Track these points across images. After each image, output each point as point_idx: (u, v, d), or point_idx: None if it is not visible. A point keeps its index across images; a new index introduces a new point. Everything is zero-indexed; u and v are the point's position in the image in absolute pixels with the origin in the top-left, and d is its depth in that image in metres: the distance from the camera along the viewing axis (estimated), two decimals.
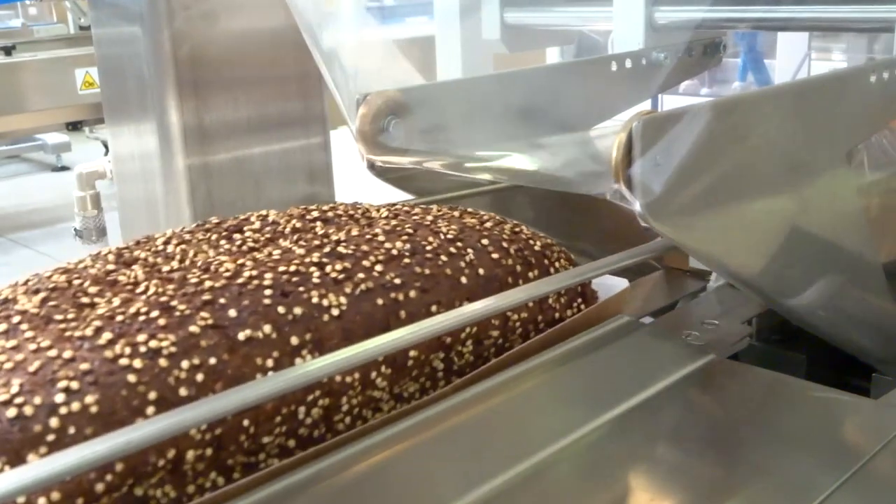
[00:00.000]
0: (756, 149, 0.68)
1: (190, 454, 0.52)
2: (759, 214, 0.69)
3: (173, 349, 0.53)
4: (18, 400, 0.48)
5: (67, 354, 0.51)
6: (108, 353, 0.52)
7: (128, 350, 0.52)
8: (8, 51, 4.06)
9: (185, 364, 0.53)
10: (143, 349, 0.52)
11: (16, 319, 0.54)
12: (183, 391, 0.52)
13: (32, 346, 0.52)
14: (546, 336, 0.69)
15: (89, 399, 0.49)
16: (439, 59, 1.32)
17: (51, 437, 0.48)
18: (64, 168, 5.21)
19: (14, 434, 0.47)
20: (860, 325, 0.77)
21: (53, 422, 0.48)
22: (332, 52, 1.01)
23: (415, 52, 1.11)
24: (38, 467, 0.43)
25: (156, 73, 1.56)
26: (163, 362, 0.52)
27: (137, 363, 0.52)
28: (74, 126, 4.48)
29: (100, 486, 0.48)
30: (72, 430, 0.48)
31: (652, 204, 0.61)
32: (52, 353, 0.51)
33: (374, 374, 0.60)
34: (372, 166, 0.89)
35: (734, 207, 0.67)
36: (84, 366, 0.50)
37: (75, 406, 0.49)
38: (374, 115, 0.86)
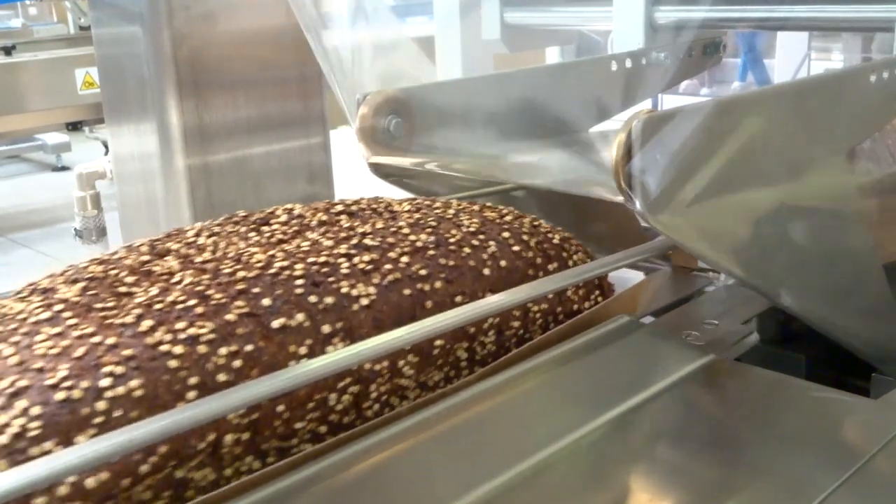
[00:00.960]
0: (756, 148, 0.68)
1: (228, 438, 0.54)
2: (759, 213, 0.69)
3: (211, 336, 0.55)
4: (66, 384, 0.50)
5: (111, 341, 0.53)
6: (150, 340, 0.53)
7: (168, 337, 0.54)
8: (8, 51, 4.06)
9: (222, 350, 0.54)
10: (182, 336, 0.54)
11: (58, 307, 0.56)
12: (221, 377, 0.54)
13: (76, 333, 0.53)
14: (548, 336, 0.69)
15: (133, 383, 0.51)
16: (439, 59, 1.32)
17: (98, 420, 0.49)
18: (64, 168, 5.21)
19: (63, 416, 0.49)
20: (860, 323, 0.77)
21: (100, 405, 0.50)
22: (333, 52, 1.01)
23: (415, 52, 1.11)
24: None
25: (156, 73, 1.56)
26: (202, 349, 0.54)
27: (178, 349, 0.53)
28: (74, 126, 4.49)
29: (144, 468, 0.50)
30: (117, 413, 0.50)
31: (652, 203, 0.61)
32: (96, 339, 0.53)
33: (401, 363, 0.62)
34: (372, 166, 0.89)
35: (734, 206, 0.67)
36: (127, 351, 0.52)
37: (121, 390, 0.51)
38: (374, 115, 0.86)
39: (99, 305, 0.56)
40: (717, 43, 1.25)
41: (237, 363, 0.55)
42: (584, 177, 0.74)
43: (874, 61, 0.97)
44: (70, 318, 0.55)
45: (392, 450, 0.57)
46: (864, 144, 0.82)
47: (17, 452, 0.47)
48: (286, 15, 1.55)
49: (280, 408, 0.55)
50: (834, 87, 0.78)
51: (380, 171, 0.90)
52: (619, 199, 0.62)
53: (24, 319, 0.55)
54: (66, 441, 0.48)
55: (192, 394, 0.52)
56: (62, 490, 0.47)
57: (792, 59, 4.05)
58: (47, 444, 0.48)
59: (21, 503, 0.46)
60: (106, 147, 4.19)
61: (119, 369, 0.51)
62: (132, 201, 1.73)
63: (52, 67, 3.99)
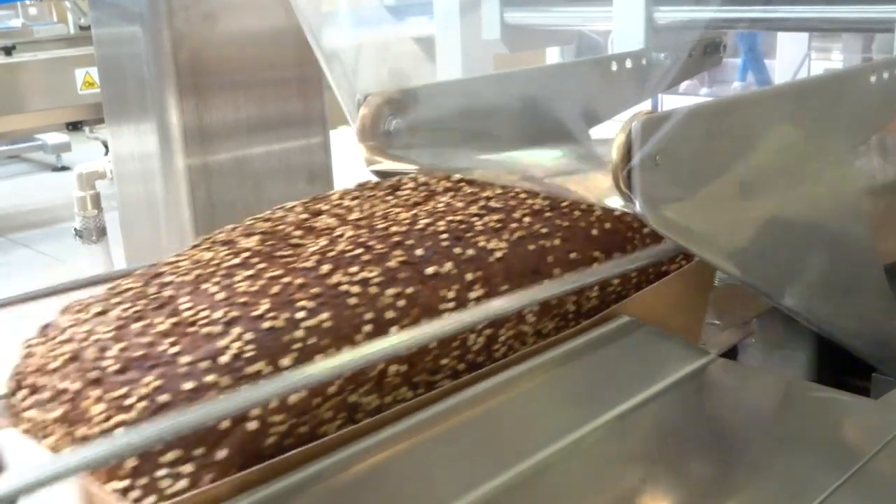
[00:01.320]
0: (755, 148, 0.68)
1: (392, 368, 0.61)
2: (759, 213, 0.69)
3: (380, 279, 0.63)
4: (270, 315, 0.58)
5: (299, 281, 0.61)
6: (330, 281, 0.61)
7: (345, 279, 0.62)
8: (8, 51, 4.07)
9: (389, 291, 0.62)
10: (356, 278, 0.62)
11: (245, 255, 0.65)
12: (389, 314, 0.62)
13: (268, 275, 0.61)
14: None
15: (323, 316, 0.59)
16: (439, 59, 1.32)
17: (296, 346, 0.57)
18: (64, 168, 5.21)
19: (270, 342, 0.56)
20: (860, 323, 0.77)
21: (298, 333, 0.58)
22: (334, 52, 1.01)
23: (415, 52, 1.11)
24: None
25: (156, 73, 1.56)
26: (373, 289, 0.62)
27: (355, 289, 0.61)
28: (74, 126, 4.49)
29: (331, 389, 0.58)
30: (311, 341, 0.58)
31: (651, 204, 0.61)
32: (286, 280, 0.61)
33: (526, 311, 0.68)
34: (372, 166, 0.89)
35: (734, 207, 0.68)
36: (314, 290, 0.60)
37: (313, 321, 0.58)
38: (374, 115, 0.86)
39: (279, 253, 0.65)
40: (717, 43, 1.25)
41: (401, 303, 0.62)
42: (584, 177, 0.74)
43: (874, 61, 0.97)
44: (258, 263, 0.63)
45: (392, 450, 0.57)
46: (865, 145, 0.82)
47: (235, 371, 0.54)
48: (286, 15, 1.55)
49: (432, 344, 0.62)
50: (834, 87, 0.78)
51: (380, 171, 0.90)
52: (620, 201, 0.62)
53: (218, 265, 0.64)
54: (273, 363, 0.56)
55: (367, 327, 0.60)
56: (273, 404, 0.54)
57: (792, 59, 4.06)
58: (259, 365, 0.55)
59: (239, 418, 0.53)
60: (106, 147, 4.19)
61: (310, 304, 0.59)
62: (132, 201, 1.73)
63: (52, 67, 4.00)
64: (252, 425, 0.54)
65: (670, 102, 1.30)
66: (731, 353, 0.82)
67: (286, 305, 0.59)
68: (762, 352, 0.84)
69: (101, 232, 2.65)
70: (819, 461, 0.59)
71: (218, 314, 0.57)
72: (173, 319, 0.58)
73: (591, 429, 0.61)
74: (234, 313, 0.57)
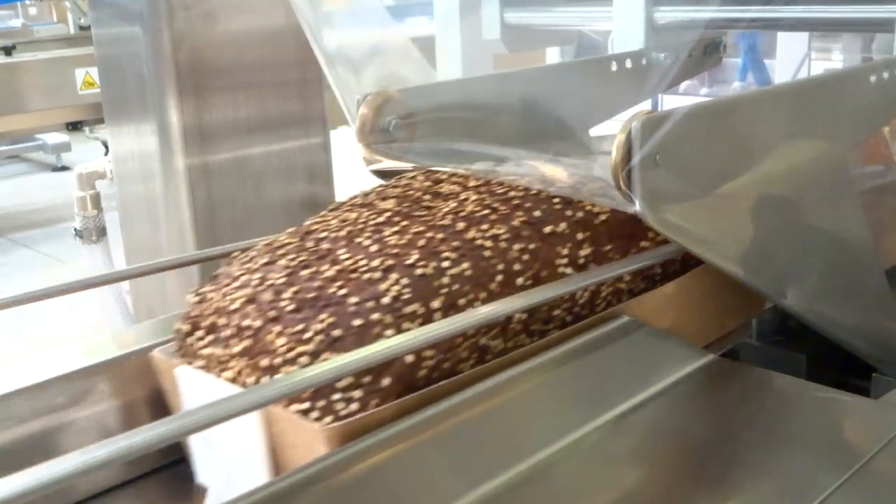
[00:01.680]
0: (755, 148, 0.68)
1: (516, 317, 0.68)
2: (759, 213, 0.69)
3: (507, 235, 0.70)
4: (420, 263, 0.65)
5: (440, 236, 0.69)
6: (466, 236, 0.69)
7: (479, 235, 0.69)
8: (8, 51, 4.07)
9: (515, 247, 0.70)
10: (488, 234, 0.69)
11: (387, 214, 0.73)
12: (516, 266, 0.69)
13: (413, 230, 0.70)
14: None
15: (465, 265, 0.67)
16: (439, 59, 1.32)
17: (444, 291, 0.65)
18: (64, 168, 5.21)
19: (423, 286, 0.64)
20: (861, 323, 0.77)
21: (445, 280, 0.66)
22: (334, 52, 1.01)
23: (415, 52, 1.11)
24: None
25: (156, 73, 1.56)
26: (502, 244, 0.69)
27: (488, 244, 0.69)
28: (74, 126, 4.49)
29: (470, 331, 0.64)
30: (455, 287, 0.66)
31: (651, 203, 0.61)
32: (429, 234, 0.69)
33: (624, 272, 0.74)
34: (372, 166, 0.89)
35: (734, 206, 0.68)
36: (454, 244, 0.68)
37: (456, 270, 0.66)
38: (374, 115, 0.86)
39: (416, 213, 0.73)
40: (717, 43, 1.25)
41: (525, 257, 0.70)
42: (584, 177, 0.74)
43: (874, 61, 0.97)
44: (400, 221, 0.72)
45: (392, 449, 0.57)
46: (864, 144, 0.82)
47: (395, 310, 0.63)
48: (286, 15, 1.55)
49: (547, 297, 0.68)
50: (834, 87, 0.78)
51: (379, 171, 0.90)
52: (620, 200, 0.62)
53: (365, 222, 0.72)
54: (426, 304, 0.64)
55: (499, 277, 0.68)
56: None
57: (792, 59, 4.05)
58: (415, 306, 0.63)
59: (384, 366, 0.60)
60: (106, 147, 4.19)
61: (453, 255, 0.67)
62: (132, 201, 1.73)
63: (52, 67, 3.99)
64: (409, 358, 0.61)
65: (670, 102, 1.30)
66: (731, 353, 0.82)
67: (433, 256, 0.67)
68: (762, 352, 0.84)
69: (101, 232, 2.65)
70: (819, 461, 0.59)
71: (375, 263, 0.66)
72: (337, 267, 0.66)
73: (590, 429, 0.61)
74: (390, 262, 0.66)
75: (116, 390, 0.71)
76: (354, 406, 0.59)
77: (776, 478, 0.56)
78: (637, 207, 0.61)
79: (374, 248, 0.68)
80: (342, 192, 1.68)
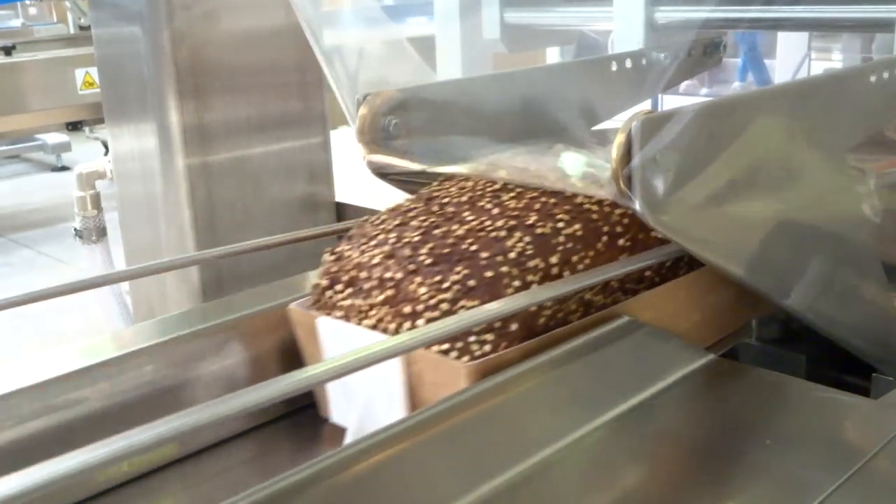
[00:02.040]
0: (755, 148, 0.68)
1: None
2: (759, 214, 0.69)
3: (609, 201, 0.71)
4: (539, 224, 0.72)
5: (552, 201, 0.75)
6: (575, 201, 0.75)
7: (585, 200, 0.75)
8: (8, 51, 4.07)
9: (617, 211, 0.75)
10: (593, 200, 0.75)
11: (502, 182, 0.79)
12: (618, 229, 0.75)
13: (528, 196, 0.76)
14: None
15: (576, 227, 0.73)
16: (439, 59, 1.32)
17: (560, 248, 0.71)
18: (64, 168, 5.21)
19: (543, 243, 0.71)
20: (861, 323, 0.77)
21: (560, 238, 0.72)
22: (333, 52, 1.01)
23: (415, 52, 1.11)
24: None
25: (156, 73, 1.56)
26: (606, 209, 0.75)
27: (594, 208, 0.75)
28: (74, 126, 4.49)
29: (570, 294, 0.70)
30: (569, 245, 0.72)
31: (651, 203, 0.61)
32: (543, 199, 0.75)
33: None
34: (372, 166, 0.89)
35: (734, 207, 0.67)
36: (566, 207, 0.74)
37: (570, 230, 0.72)
38: (373, 116, 0.86)
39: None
40: (717, 43, 1.25)
41: (626, 220, 0.75)
42: (587, 179, 0.74)
43: (874, 61, 0.97)
44: (515, 188, 0.78)
45: (392, 450, 0.57)
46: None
47: (520, 264, 0.69)
48: (287, 15, 1.55)
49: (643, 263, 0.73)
50: (834, 87, 0.78)
51: (379, 171, 0.90)
52: (620, 200, 0.62)
53: (483, 189, 0.79)
54: (546, 260, 0.70)
55: (604, 238, 0.74)
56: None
57: (792, 59, 4.05)
58: (536, 261, 0.70)
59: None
60: (106, 147, 4.19)
61: (566, 217, 0.73)
62: (132, 201, 1.73)
63: (52, 67, 4.00)
64: (533, 307, 0.68)
65: (670, 102, 1.30)
66: (731, 353, 0.82)
67: (549, 217, 0.73)
68: (762, 352, 0.84)
69: (101, 232, 2.65)
70: (819, 461, 0.59)
71: (499, 223, 0.73)
72: (465, 227, 0.73)
73: (590, 429, 0.61)
74: (512, 223, 0.72)
75: (249, 344, 0.79)
76: (487, 347, 0.66)
77: (776, 478, 0.56)
78: (637, 207, 0.61)
79: (495, 210, 0.75)
80: (342, 192, 1.68)
